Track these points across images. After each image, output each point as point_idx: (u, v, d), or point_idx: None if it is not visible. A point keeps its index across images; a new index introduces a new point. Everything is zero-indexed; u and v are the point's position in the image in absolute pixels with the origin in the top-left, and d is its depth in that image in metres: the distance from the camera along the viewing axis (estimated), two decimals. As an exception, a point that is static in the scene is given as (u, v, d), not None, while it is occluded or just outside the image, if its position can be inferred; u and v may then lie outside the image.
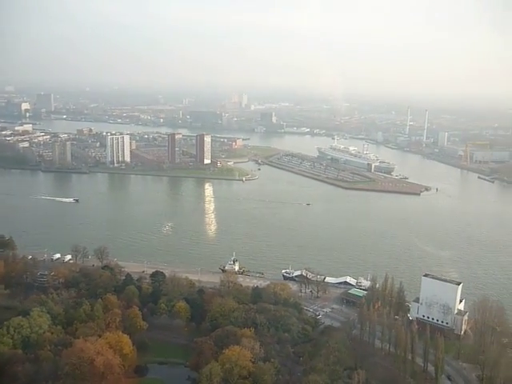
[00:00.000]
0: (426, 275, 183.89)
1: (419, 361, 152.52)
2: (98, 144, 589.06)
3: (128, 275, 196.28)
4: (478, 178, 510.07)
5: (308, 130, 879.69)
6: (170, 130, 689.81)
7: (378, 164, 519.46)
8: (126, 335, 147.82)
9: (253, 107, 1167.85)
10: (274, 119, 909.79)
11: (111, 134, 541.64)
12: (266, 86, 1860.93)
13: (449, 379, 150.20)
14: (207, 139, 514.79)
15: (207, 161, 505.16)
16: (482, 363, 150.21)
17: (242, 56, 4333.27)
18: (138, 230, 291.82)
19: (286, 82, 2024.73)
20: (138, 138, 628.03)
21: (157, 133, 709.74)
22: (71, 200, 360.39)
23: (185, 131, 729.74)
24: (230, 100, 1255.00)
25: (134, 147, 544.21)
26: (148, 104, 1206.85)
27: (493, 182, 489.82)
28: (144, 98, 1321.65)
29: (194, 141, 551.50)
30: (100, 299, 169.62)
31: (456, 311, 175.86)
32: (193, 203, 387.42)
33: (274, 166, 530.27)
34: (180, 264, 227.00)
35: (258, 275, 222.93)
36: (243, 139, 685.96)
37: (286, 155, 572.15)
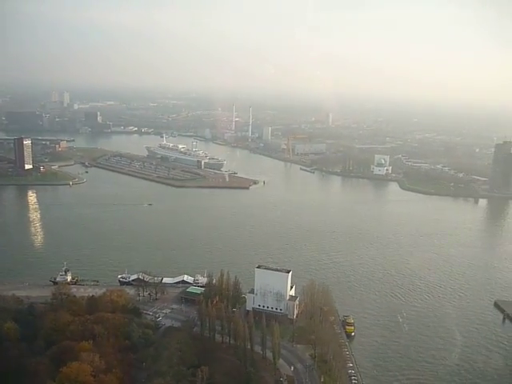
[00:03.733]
0: (258, 267, 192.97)
1: (258, 349, 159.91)
2: None
3: None
4: (301, 169, 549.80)
5: (136, 128, 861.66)
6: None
7: (207, 161, 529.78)
8: None
9: (76, 106, 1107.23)
10: (99, 119, 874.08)
11: None
12: (89, 84, 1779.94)
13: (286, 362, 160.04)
14: (27, 142, 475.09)
15: (28, 166, 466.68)
16: (314, 342, 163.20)
17: (63, 52, 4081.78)
18: None
19: (112, 79, 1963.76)
20: None
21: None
22: None
23: (1, 134, 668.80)
24: (50, 99, 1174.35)
25: None
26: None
27: (313, 173, 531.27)
28: None
29: (12, 145, 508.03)
30: None
31: (288, 297, 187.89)
32: (15, 214, 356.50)
33: (103, 168, 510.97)
34: (4, 281, 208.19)
35: (92, 283, 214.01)
36: (67, 141, 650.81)
37: (115, 156, 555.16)
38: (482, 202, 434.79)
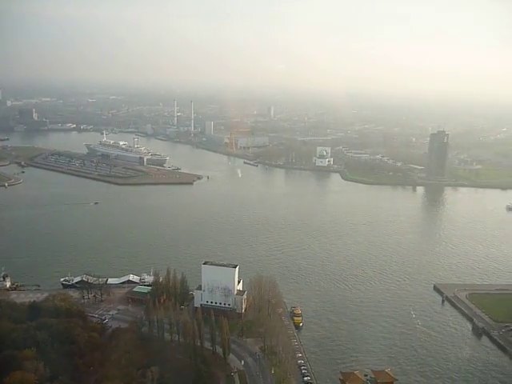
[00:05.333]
0: (205, 263, 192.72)
1: (208, 345, 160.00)
2: None
3: None
4: (244, 163, 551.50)
5: (74, 125, 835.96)
6: None
7: (150, 157, 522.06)
8: None
9: (9, 103, 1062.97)
10: (35, 116, 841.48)
11: None
12: (23, 80, 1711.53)
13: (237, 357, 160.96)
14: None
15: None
16: (263, 335, 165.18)
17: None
18: None
19: (48, 75, 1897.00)
20: None
21: None
22: None
23: None
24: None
25: None
26: None
27: (257, 166, 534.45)
28: None
29: None
30: None
31: (236, 292, 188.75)
32: None
33: (40, 167, 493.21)
34: None
35: (34, 288, 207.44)
36: (1, 140, 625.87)
37: (53, 154, 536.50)
38: (420, 189, 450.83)
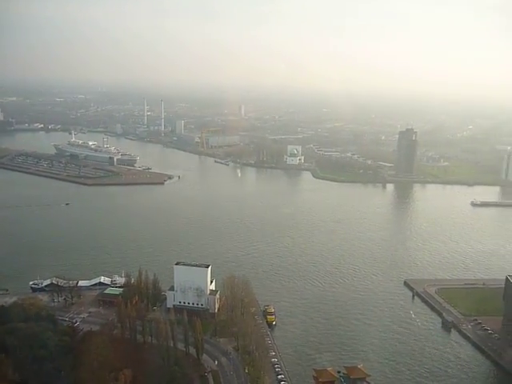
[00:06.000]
0: (177, 263, 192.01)
1: (181, 346, 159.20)
2: None
3: None
4: (215, 162, 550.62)
5: (42, 125, 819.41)
6: None
7: (120, 157, 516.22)
8: None
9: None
10: (0, 115, 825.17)
11: None
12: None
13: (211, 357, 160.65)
14: None
15: None
16: (236, 335, 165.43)
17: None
18: None
19: (13, 74, 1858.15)
20: None
21: None
22: None
23: None
24: None
25: None
26: None
27: (228, 165, 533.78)
28: None
29: None
30: None
31: (208, 292, 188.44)
32: None
33: (6, 169, 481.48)
34: None
35: (1, 292, 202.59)
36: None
37: (20, 155, 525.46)
38: (390, 186, 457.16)
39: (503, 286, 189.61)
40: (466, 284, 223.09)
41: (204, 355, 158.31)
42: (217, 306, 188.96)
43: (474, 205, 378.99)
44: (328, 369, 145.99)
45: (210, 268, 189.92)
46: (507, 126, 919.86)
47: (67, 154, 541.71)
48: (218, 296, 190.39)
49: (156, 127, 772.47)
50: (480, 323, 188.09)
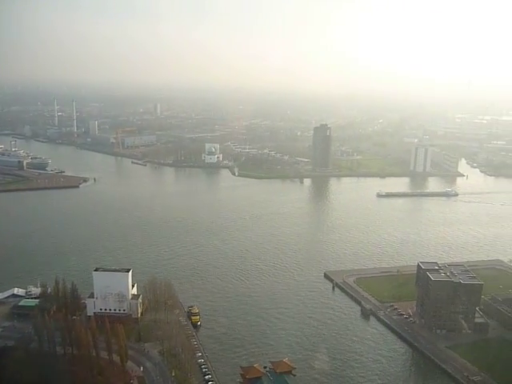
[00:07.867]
0: (96, 269, 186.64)
1: (104, 354, 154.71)
2: None
3: None
4: (132, 162, 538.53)
5: None
6: None
7: (30, 161, 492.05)
8: None
9: None
10: None
11: None
12: None
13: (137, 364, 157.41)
14: None
15: None
16: (161, 338, 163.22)
17: None
18: None
19: None
20: None
21: None
22: None
23: None
24: None
25: None
26: None
27: (145, 165, 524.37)
28: None
29: None
30: None
31: (130, 297, 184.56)
32: None
33: None
34: None
35: None
36: None
37: None
38: (307, 181, 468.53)
39: (415, 272, 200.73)
40: (381, 272, 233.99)
41: (129, 362, 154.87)
42: (140, 310, 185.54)
43: (379, 196, 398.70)
44: (254, 365, 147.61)
45: (130, 272, 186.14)
46: (414, 119, 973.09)
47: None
48: (140, 300, 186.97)
49: (68, 128, 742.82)
50: (396, 309, 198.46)
